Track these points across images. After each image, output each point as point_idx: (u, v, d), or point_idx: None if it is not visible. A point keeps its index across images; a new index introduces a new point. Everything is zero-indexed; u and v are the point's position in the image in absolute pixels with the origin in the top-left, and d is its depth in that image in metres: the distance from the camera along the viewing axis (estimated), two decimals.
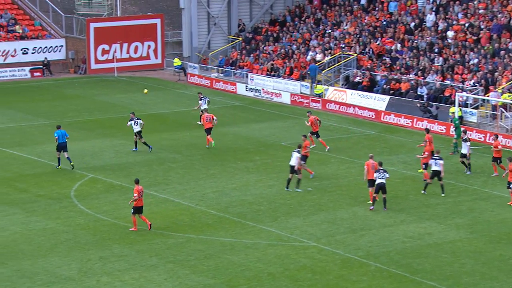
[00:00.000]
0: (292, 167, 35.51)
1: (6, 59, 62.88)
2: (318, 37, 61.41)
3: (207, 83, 60.47)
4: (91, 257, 28.77)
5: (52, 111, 51.70)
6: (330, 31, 61.34)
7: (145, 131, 47.17)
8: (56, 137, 38.73)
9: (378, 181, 33.31)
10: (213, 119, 42.86)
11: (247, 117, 50.78)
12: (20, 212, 33.35)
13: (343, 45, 58.69)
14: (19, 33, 64.27)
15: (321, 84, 55.69)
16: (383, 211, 33.53)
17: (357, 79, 55.09)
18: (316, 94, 54.74)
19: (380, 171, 33.32)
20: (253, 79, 59.24)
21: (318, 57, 58.66)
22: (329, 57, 58.09)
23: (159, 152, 42.44)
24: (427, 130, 39.38)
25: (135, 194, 30.98)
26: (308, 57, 59.13)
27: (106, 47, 64.76)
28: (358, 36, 59.04)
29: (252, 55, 63.11)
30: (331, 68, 57.50)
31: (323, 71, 57.15)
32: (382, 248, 29.69)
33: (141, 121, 41.93)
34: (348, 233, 31.20)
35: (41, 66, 63.53)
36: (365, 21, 60.67)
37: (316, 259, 28.66)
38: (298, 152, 35.66)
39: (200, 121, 46.32)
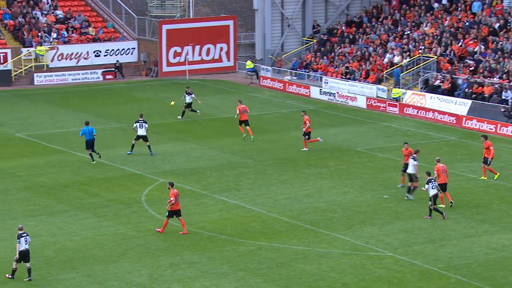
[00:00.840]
0: (410, 175, 34.89)
1: (78, 61, 63.12)
2: (396, 39, 59.94)
3: (280, 86, 59.67)
4: (161, 263, 28.57)
5: (124, 115, 51.57)
6: (409, 32, 59.82)
7: (216, 136, 46.44)
8: (83, 135, 40.09)
9: (431, 192, 32.45)
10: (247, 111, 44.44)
11: (321, 122, 49.89)
12: (92, 217, 33.30)
13: (423, 47, 57.09)
14: (91, 35, 64.45)
15: (399, 88, 54.26)
16: (441, 220, 32.55)
17: (437, 82, 53.63)
18: (393, 98, 53.38)
19: (432, 181, 32.52)
20: (327, 82, 58.18)
21: (396, 59, 57.20)
22: (408, 60, 56.61)
23: (230, 157, 41.88)
24: (486, 137, 38.38)
25: (171, 198, 30.86)
26: (386, 60, 57.74)
27: (178, 49, 64.48)
28: (438, 37, 57.35)
29: (326, 57, 62.01)
30: (409, 71, 56.02)
31: (401, 74, 55.71)
32: (463, 259, 28.86)
33: (146, 125, 41.66)
34: (426, 243, 30.42)
35: (113, 69, 63.60)
36: (446, 22, 58.90)
37: (393, 270, 27.98)
38: (414, 159, 35.02)
39: (198, 113, 49.45)
